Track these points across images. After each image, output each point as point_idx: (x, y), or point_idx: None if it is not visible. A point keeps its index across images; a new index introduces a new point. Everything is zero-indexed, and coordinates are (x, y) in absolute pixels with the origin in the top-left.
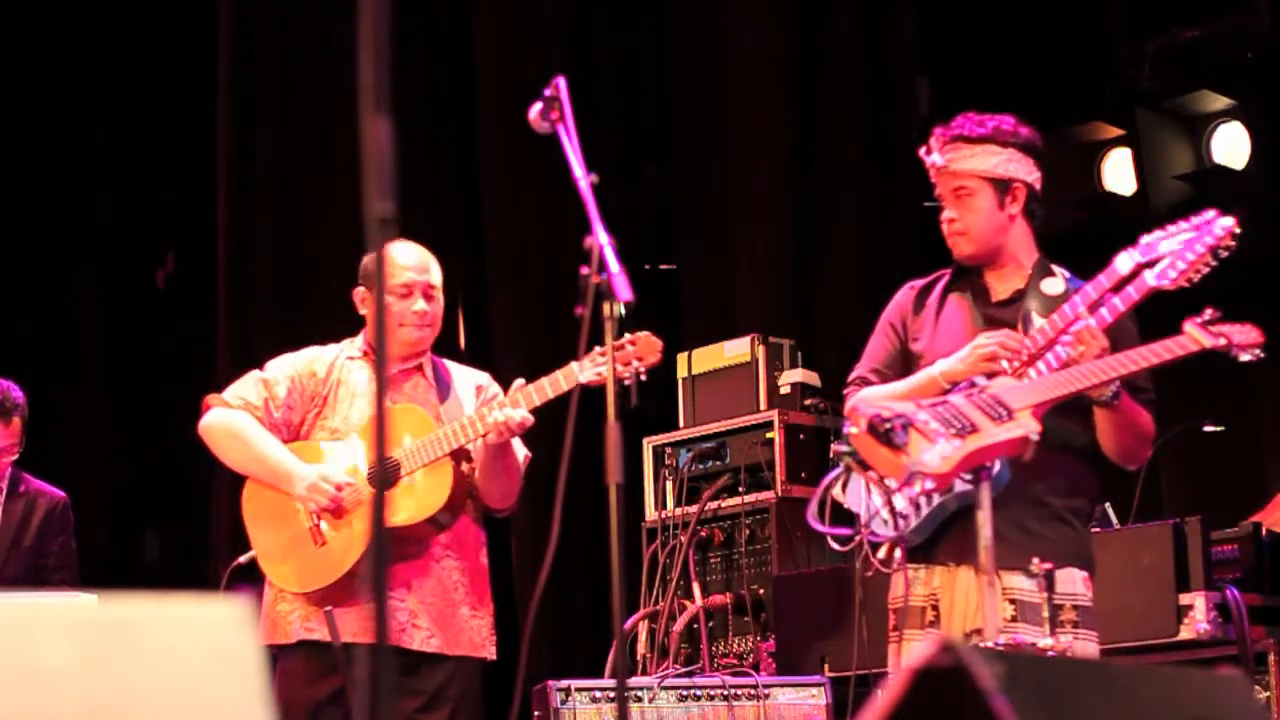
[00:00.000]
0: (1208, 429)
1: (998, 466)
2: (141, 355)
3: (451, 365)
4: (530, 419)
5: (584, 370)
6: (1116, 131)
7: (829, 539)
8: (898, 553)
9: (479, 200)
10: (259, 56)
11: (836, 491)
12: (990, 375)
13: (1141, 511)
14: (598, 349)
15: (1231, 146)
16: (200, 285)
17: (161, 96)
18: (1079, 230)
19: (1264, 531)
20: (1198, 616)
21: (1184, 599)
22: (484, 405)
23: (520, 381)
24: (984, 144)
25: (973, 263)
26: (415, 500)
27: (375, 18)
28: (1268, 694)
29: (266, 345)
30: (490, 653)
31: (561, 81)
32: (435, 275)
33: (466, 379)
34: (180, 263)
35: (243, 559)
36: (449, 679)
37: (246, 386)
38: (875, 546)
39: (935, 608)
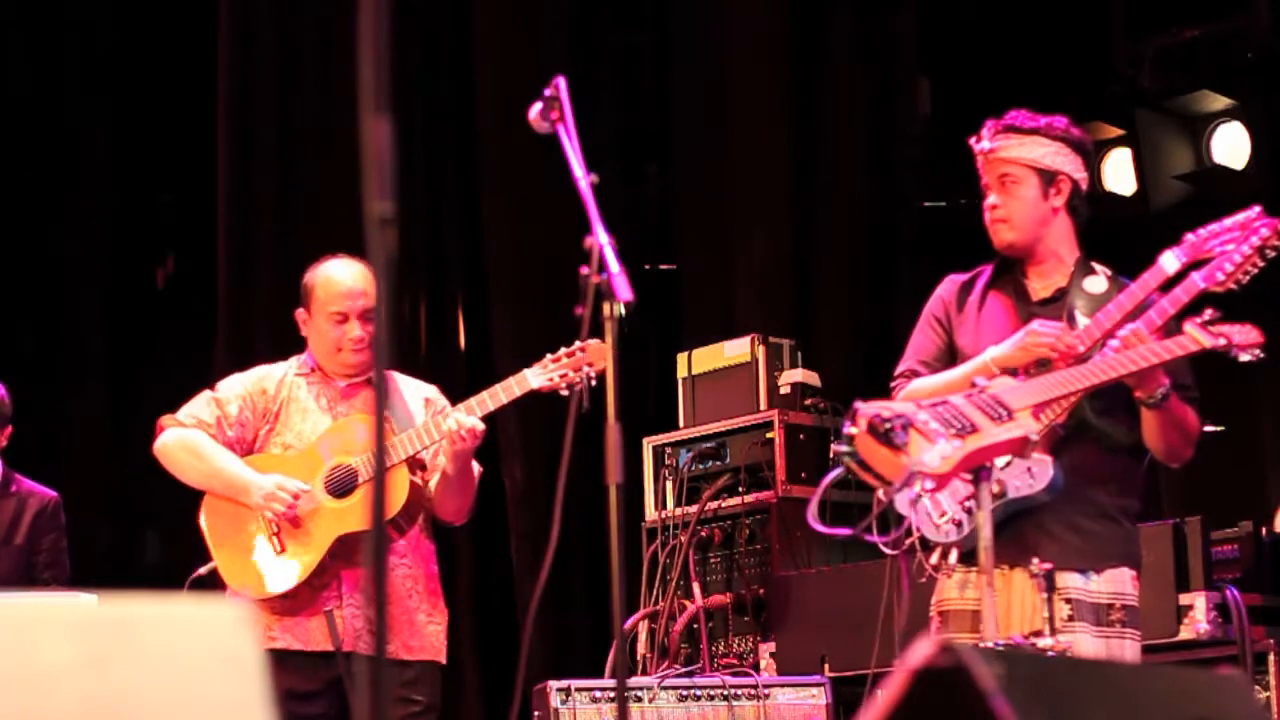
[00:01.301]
0: (1208, 429)
1: (1052, 473)
2: (141, 355)
3: (400, 378)
4: (481, 426)
5: (536, 376)
6: (1116, 131)
7: (879, 541)
8: (952, 557)
9: (479, 200)
10: (259, 56)
11: (880, 494)
12: (1042, 365)
13: (1141, 512)
14: (549, 356)
15: (1231, 146)
16: (200, 285)
17: (162, 97)
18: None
19: (1264, 531)
20: (1198, 616)
21: (1184, 599)
22: (435, 416)
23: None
24: (1033, 135)
25: (1012, 253)
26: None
27: (375, 18)
28: (1268, 694)
29: (266, 346)
30: (444, 657)
31: (561, 81)
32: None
33: (415, 392)
34: (180, 263)
35: (203, 570)
36: (415, 681)
37: (199, 406)
38: (927, 550)
39: None
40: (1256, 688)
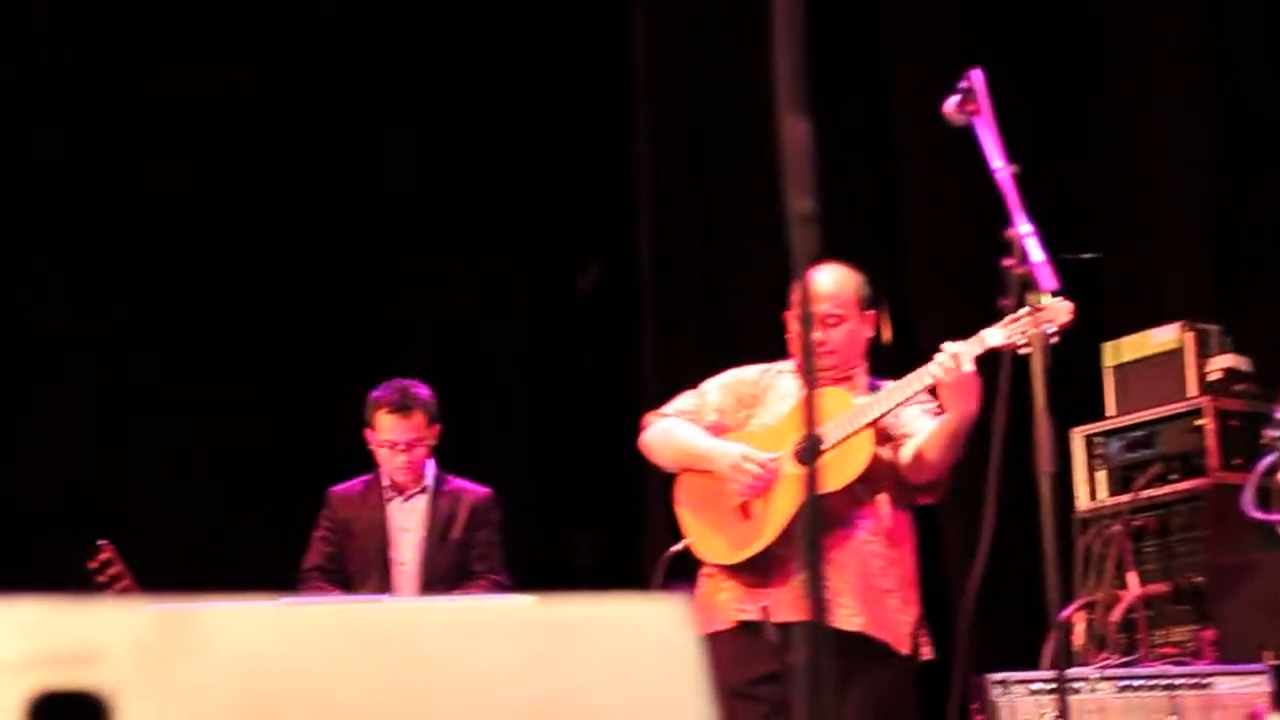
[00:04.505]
0: None
1: None
2: (564, 363)
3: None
4: (966, 350)
5: (994, 335)
6: None
7: None
8: None
9: (895, 196)
10: (669, 57)
11: None
12: None
13: None
14: (1009, 317)
15: None
16: (624, 294)
17: (576, 118)
18: None
19: None
20: None
21: None
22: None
23: None
24: None
25: None
26: (834, 471)
27: (789, 16)
28: None
29: (692, 351)
30: (912, 649)
31: (977, 74)
32: (836, 302)
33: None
34: (605, 271)
35: (676, 547)
36: (874, 663)
37: (681, 398)
38: None
39: None
40: None
